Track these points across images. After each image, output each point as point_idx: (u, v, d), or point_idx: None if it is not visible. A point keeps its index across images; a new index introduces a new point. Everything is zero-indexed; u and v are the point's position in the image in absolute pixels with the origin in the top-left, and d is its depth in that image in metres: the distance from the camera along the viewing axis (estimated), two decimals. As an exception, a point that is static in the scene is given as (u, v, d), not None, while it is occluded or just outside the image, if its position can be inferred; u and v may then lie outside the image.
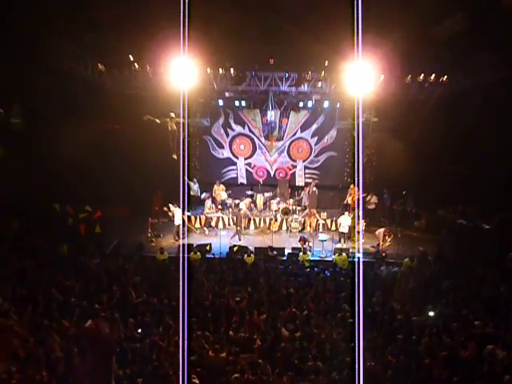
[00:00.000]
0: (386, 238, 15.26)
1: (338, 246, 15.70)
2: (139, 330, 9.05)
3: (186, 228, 16.69)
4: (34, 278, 11.15)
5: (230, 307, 10.23)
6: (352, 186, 18.06)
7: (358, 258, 14.51)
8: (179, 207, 16.31)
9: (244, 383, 7.32)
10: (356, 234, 16.18)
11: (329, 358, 8.10)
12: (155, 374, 7.43)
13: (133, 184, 17.48)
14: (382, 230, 15.54)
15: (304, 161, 20.49)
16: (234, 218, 17.37)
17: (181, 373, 7.34)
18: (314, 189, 18.63)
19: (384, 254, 14.70)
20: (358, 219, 16.23)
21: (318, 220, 17.43)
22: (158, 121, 17.60)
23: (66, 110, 15.67)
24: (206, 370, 7.74)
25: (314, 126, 20.15)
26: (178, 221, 16.47)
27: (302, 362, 7.91)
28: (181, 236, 16.14)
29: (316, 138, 20.28)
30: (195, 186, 19.07)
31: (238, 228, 16.60)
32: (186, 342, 8.65)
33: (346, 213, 16.36)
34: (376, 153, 19.23)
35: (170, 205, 16.59)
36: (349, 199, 17.85)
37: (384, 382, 7.28)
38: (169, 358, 7.97)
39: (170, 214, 16.67)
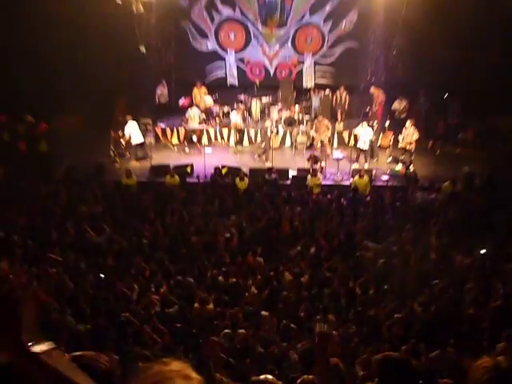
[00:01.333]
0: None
1: (357, 166, 15.62)
2: (101, 276, 9.05)
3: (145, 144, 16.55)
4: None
5: (218, 246, 10.29)
6: (373, 87, 17.90)
7: (385, 181, 15.10)
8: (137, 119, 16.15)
9: (238, 342, 7.35)
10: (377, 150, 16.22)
11: (344, 310, 8.17)
12: (122, 332, 7.43)
13: (88, 86, 16.95)
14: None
15: (314, 54, 19.85)
16: (227, 131, 17.06)
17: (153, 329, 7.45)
18: (328, 92, 18.29)
19: (418, 176, 14.62)
20: (383, 131, 15.94)
21: (331, 133, 17.19)
22: (118, 1, 16.67)
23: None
24: (188, 325, 7.79)
25: (328, 7, 19.22)
26: (137, 137, 16.31)
27: (310, 316, 7.97)
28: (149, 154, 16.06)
29: (330, 24, 19.45)
30: (165, 90, 18.74)
31: (262, 146, 16.24)
32: (161, 289, 8.97)
33: (365, 123, 16.07)
34: (409, 41, 18.46)
35: (128, 125, 16.29)
36: (374, 106, 17.64)
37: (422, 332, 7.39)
38: (140, 311, 8.07)
39: (126, 137, 16.40)
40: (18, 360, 1.70)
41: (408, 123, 15.81)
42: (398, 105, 17.74)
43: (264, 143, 16.51)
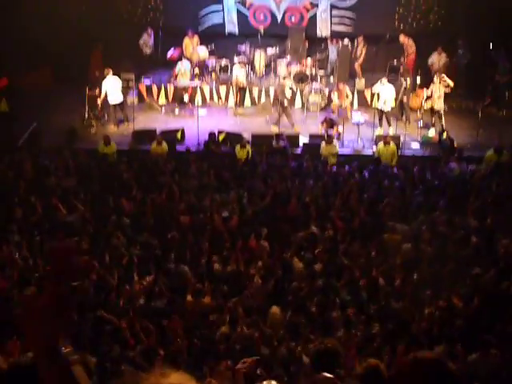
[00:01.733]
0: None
1: (381, 132, 15.53)
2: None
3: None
4: None
5: (214, 227, 10.28)
6: (403, 36, 17.69)
7: (415, 149, 14.99)
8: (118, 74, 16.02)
9: (238, 341, 7.37)
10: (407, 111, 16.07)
11: (365, 305, 8.16)
12: (99, 329, 7.44)
13: (58, 33, 16.93)
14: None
15: (330, -4, 19.65)
16: (225, 89, 17.12)
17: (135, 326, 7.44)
18: (346, 42, 18.18)
19: (454, 143, 14.51)
20: (414, 89, 15.79)
21: (351, 92, 17.10)
22: None
23: None
24: (179, 320, 7.78)
25: None
26: (115, 95, 16.15)
27: (325, 311, 7.97)
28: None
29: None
30: (151, 39, 18.59)
31: (279, 107, 16.18)
32: (146, 279, 8.99)
33: (384, 79, 15.94)
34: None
35: (106, 81, 16.15)
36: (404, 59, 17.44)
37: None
38: (120, 305, 8.09)
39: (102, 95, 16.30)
40: (48, 362, 1.91)
41: (436, 78, 15.71)
42: (437, 59, 17.47)
43: (280, 105, 16.34)
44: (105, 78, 16.07)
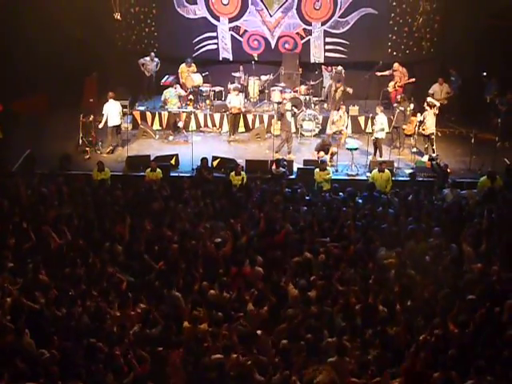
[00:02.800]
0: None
1: (374, 158, 15.70)
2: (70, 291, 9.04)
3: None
4: None
5: (208, 253, 10.27)
6: (397, 64, 17.95)
7: (411, 174, 15.04)
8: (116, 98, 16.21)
9: (232, 368, 7.38)
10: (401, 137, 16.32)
11: (360, 331, 8.15)
12: (92, 357, 7.43)
13: (52, 61, 17.11)
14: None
15: (324, 23, 19.83)
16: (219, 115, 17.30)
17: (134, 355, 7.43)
18: (340, 68, 18.29)
19: (447, 169, 14.58)
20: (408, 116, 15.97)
21: (345, 117, 17.21)
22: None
23: None
24: (175, 346, 7.78)
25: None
26: (114, 119, 16.33)
27: (320, 337, 7.98)
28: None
29: (344, -14, 19.47)
30: (152, 64, 18.72)
31: (285, 134, 16.33)
32: (140, 305, 8.96)
33: (378, 108, 16.18)
34: (440, 7, 18.51)
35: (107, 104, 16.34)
36: (391, 85, 17.85)
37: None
38: (114, 332, 8.06)
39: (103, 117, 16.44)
40: None
41: (426, 104, 15.98)
42: (439, 89, 17.66)
43: (285, 132, 16.45)
44: (107, 101, 16.28)
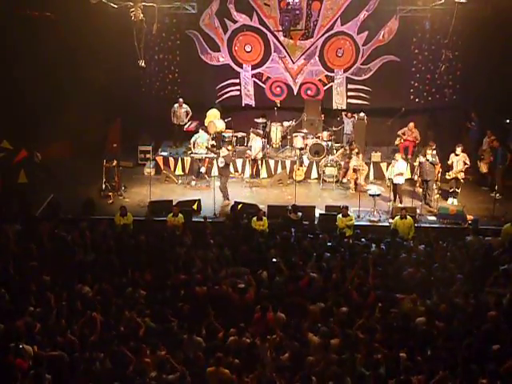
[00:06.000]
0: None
1: (396, 204, 15.76)
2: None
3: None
4: None
5: (230, 299, 10.29)
6: (412, 124, 18.18)
7: (433, 221, 15.03)
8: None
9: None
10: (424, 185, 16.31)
11: (383, 380, 8.12)
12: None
13: (76, 109, 17.26)
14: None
15: (346, 70, 20.10)
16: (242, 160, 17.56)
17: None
18: (362, 115, 18.51)
19: (470, 217, 14.63)
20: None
21: (366, 164, 17.36)
22: (114, 5, 17.13)
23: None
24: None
25: (363, 15, 19.57)
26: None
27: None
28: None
29: (366, 34, 19.75)
30: (182, 110, 19.02)
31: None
32: (158, 351, 8.94)
33: (398, 155, 16.34)
34: (462, 55, 18.71)
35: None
36: (397, 141, 18.19)
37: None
38: (133, 377, 8.06)
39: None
40: None
41: (458, 149, 16.04)
42: (485, 141, 17.54)
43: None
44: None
